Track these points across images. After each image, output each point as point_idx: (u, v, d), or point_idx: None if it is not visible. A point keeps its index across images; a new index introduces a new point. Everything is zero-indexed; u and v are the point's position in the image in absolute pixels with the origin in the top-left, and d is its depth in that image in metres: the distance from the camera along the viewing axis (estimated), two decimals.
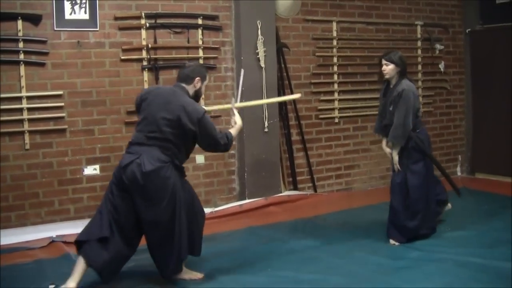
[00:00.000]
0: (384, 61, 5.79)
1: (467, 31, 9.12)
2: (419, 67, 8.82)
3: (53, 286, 4.56)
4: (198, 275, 4.84)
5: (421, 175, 5.69)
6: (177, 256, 4.59)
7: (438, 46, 8.88)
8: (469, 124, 9.26)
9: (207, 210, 6.74)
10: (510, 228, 5.98)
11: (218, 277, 4.85)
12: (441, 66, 8.97)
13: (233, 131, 5.00)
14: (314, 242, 5.78)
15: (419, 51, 8.83)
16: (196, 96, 4.88)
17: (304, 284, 4.61)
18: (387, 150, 5.94)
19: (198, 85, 4.85)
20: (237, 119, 5.14)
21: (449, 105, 9.18)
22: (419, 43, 8.81)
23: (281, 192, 7.46)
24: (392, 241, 5.70)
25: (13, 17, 6.05)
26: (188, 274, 4.82)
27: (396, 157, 5.73)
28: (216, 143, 4.75)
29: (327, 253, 5.44)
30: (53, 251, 5.58)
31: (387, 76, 5.83)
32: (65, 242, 5.77)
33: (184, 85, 4.82)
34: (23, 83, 6.15)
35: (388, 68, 5.76)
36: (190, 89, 4.82)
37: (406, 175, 5.70)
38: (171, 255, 4.58)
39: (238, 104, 5.42)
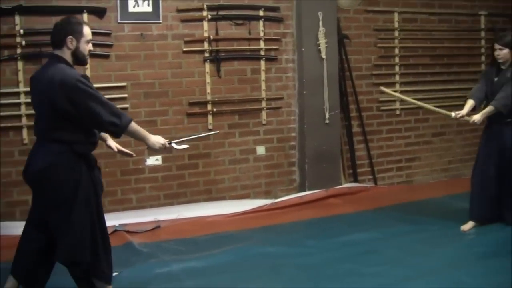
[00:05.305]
0: (497, 46, 5.55)
1: None
2: (483, 58, 8.62)
3: (116, 273, 4.64)
4: None
5: None
6: None
7: None
8: None
9: (267, 201, 6.81)
10: None
11: (280, 267, 4.87)
12: None
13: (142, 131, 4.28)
14: (376, 235, 5.72)
15: (483, 42, 8.62)
16: (77, 59, 3.96)
17: (367, 277, 4.57)
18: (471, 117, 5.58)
19: (73, 44, 3.92)
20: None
21: None
22: (482, 34, 8.61)
23: (341, 184, 7.42)
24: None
25: (78, 10, 6.16)
26: None
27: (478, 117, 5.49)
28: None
29: (389, 246, 5.38)
30: (116, 239, 5.64)
31: (500, 61, 5.59)
32: (127, 231, 5.88)
33: (57, 52, 3.94)
34: (88, 74, 6.26)
35: (503, 53, 5.53)
36: (65, 53, 3.93)
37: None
38: None
39: None
